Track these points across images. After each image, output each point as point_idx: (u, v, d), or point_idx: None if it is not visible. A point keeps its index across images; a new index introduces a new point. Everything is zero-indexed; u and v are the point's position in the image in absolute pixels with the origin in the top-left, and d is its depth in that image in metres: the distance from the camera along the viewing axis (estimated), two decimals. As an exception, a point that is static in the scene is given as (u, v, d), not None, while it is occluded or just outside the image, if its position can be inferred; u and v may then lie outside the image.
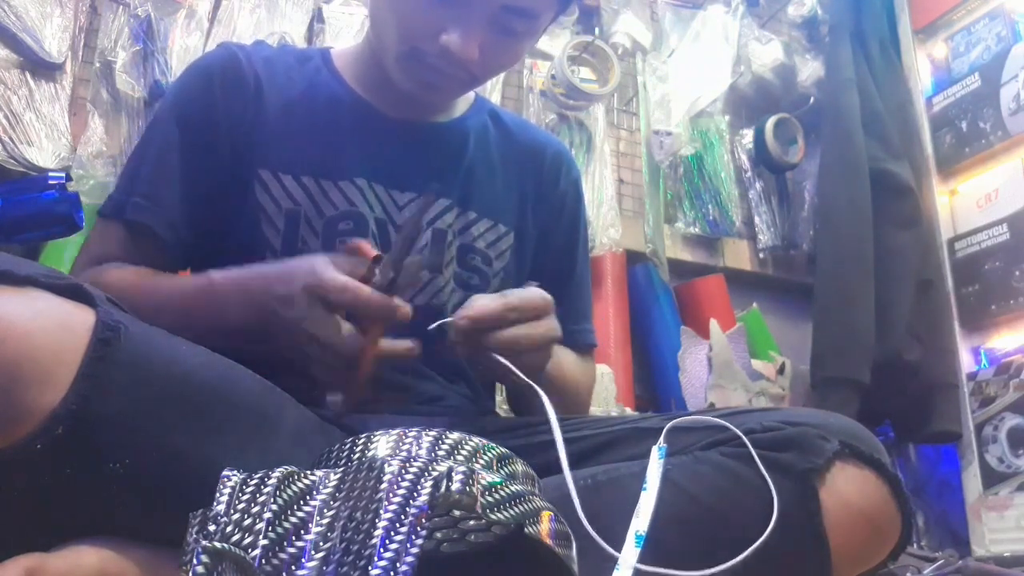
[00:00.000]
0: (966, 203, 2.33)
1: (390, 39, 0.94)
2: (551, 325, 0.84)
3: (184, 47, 1.78)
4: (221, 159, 0.98)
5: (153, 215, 0.96)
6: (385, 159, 0.99)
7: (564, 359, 1.01)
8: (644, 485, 0.70)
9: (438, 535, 0.61)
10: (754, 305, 2.32)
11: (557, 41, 2.22)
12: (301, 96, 1.01)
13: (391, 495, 0.53)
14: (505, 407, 1.21)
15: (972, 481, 2.15)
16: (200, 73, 1.01)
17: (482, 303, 0.80)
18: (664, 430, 0.76)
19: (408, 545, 0.51)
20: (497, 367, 0.79)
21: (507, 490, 0.57)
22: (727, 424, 0.77)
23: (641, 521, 0.66)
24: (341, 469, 0.56)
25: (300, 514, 0.53)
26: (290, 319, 0.77)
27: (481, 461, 0.61)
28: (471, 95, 1.10)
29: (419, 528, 0.52)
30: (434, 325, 0.81)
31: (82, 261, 0.98)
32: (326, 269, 0.77)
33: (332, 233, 0.95)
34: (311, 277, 0.77)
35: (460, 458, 0.60)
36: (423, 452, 0.60)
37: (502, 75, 2.18)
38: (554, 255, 1.11)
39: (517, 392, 1.05)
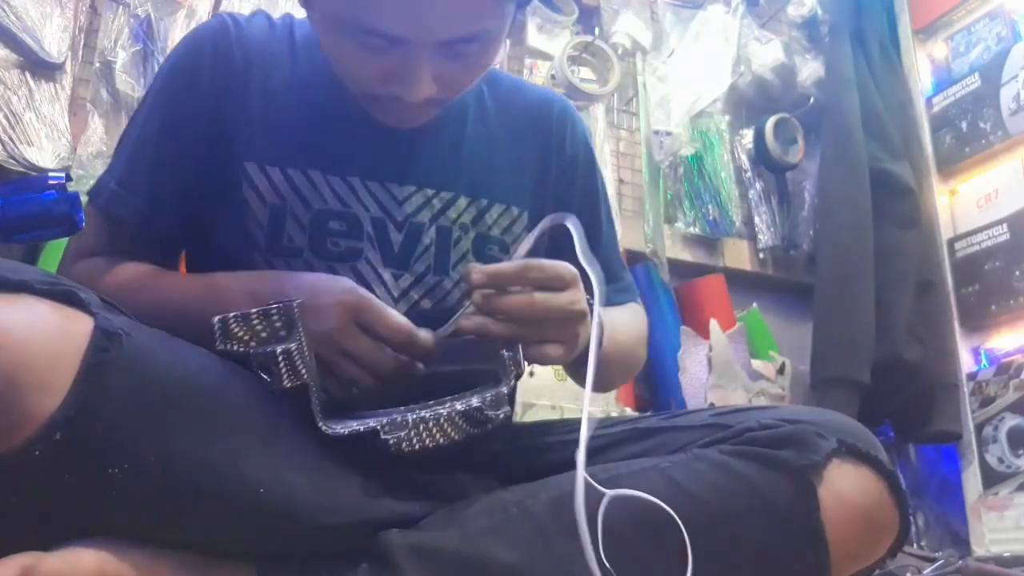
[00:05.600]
0: (966, 203, 2.33)
1: (346, 80, 0.89)
2: (574, 298, 0.77)
3: (184, 47, 1.78)
4: (205, 147, 0.92)
5: (124, 204, 0.91)
6: (377, 152, 0.93)
7: (616, 320, 0.96)
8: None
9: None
10: (754, 305, 2.32)
11: (557, 41, 2.22)
12: (286, 79, 0.94)
13: None
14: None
15: (972, 481, 2.15)
16: (189, 52, 0.94)
17: (500, 263, 0.77)
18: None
19: None
20: (517, 338, 0.77)
21: None
22: (725, 422, 0.78)
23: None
24: None
25: None
26: (322, 331, 0.74)
27: None
28: None
29: None
30: (453, 320, 0.78)
31: (72, 251, 0.94)
32: (375, 301, 0.76)
33: (322, 230, 0.90)
34: (356, 299, 0.75)
35: None
36: None
37: (502, 75, 2.18)
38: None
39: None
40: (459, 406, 0.75)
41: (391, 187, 0.93)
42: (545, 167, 1.03)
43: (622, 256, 1.18)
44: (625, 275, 1.09)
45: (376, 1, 0.78)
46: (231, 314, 0.72)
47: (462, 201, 0.95)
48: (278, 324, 0.72)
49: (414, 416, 0.73)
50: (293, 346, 0.71)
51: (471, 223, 0.95)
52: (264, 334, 0.72)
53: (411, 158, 0.94)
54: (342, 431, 0.72)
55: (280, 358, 0.71)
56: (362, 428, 0.72)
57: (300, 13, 0.93)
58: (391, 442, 0.72)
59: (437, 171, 0.95)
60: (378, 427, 0.72)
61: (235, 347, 0.72)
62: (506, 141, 1.01)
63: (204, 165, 0.92)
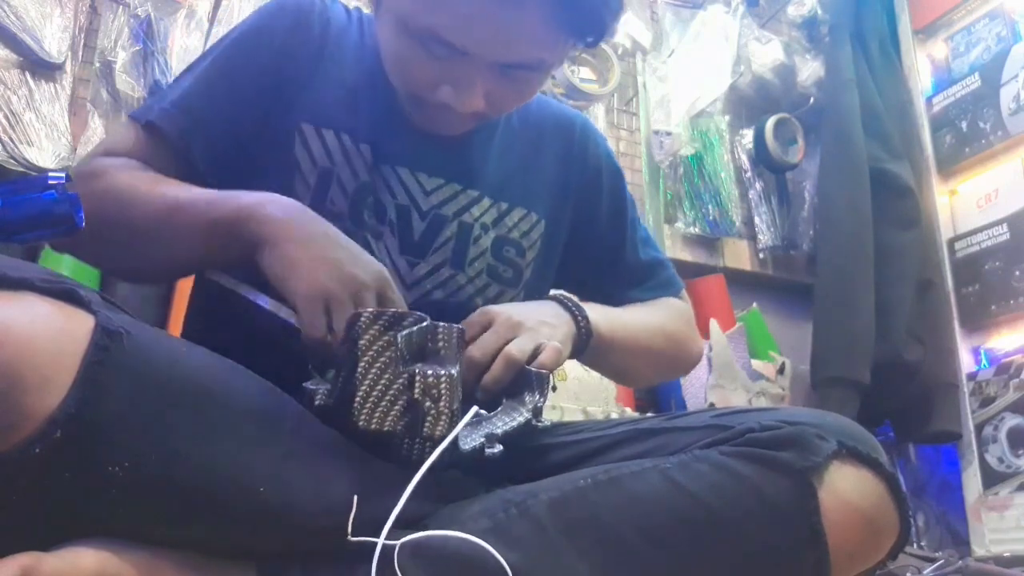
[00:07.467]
0: (966, 203, 2.34)
1: (393, 80, 0.92)
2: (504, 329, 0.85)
3: (184, 47, 1.78)
4: (268, 103, 0.93)
5: (175, 125, 0.90)
6: (416, 144, 0.96)
7: (625, 315, 1.01)
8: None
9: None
10: (754, 305, 2.33)
11: (557, 41, 2.22)
12: (352, 65, 0.98)
13: None
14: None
15: (972, 481, 2.15)
16: (271, 13, 0.98)
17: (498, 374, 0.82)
18: None
19: None
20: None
21: None
22: (726, 423, 0.78)
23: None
24: None
25: None
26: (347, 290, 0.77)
27: None
28: None
29: None
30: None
31: (100, 147, 0.93)
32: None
33: (362, 201, 0.93)
34: (386, 281, 0.79)
35: None
36: None
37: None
38: (602, 231, 1.09)
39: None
40: (519, 419, 0.78)
41: (420, 176, 0.96)
42: (565, 179, 1.07)
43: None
44: (660, 271, 1.14)
45: (450, 11, 0.81)
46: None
47: (486, 201, 0.99)
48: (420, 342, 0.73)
49: (500, 431, 0.76)
50: (455, 370, 0.72)
51: (492, 224, 0.99)
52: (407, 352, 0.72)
53: (444, 154, 0.97)
54: (468, 447, 0.73)
55: (456, 380, 0.72)
56: (479, 444, 0.74)
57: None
58: (496, 455, 0.74)
59: (466, 170, 0.98)
60: (484, 441, 0.74)
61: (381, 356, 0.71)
62: (528, 151, 1.05)
63: (260, 121, 0.93)
